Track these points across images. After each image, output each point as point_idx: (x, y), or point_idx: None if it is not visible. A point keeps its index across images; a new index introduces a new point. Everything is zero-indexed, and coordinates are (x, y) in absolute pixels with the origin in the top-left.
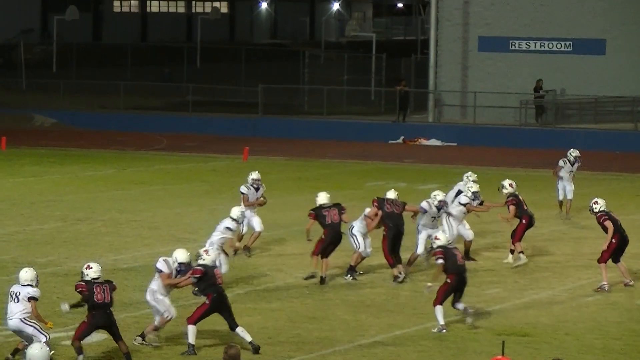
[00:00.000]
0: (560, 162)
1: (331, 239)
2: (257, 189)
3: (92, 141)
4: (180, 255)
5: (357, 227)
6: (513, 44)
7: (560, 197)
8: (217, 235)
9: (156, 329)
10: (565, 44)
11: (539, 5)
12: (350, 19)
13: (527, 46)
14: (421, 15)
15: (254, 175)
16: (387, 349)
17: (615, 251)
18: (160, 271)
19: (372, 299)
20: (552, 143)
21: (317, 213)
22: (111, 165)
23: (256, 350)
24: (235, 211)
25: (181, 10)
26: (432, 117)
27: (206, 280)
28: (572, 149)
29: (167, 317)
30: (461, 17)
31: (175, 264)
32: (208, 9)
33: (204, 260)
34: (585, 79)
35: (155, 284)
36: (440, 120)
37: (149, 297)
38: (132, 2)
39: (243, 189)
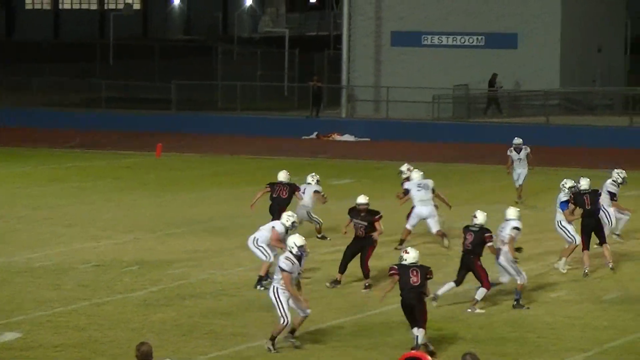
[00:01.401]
0: (508, 152)
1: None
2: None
3: (6, 138)
4: (298, 240)
5: (262, 238)
6: (426, 38)
7: (517, 185)
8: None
9: (293, 330)
10: (477, 38)
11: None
12: (263, 14)
13: (440, 41)
14: (334, 10)
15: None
16: (303, 344)
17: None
18: (285, 270)
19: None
20: (466, 137)
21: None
22: (25, 162)
23: None
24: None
25: (94, 7)
26: (346, 112)
27: None
28: (515, 138)
29: (304, 315)
30: (374, 11)
31: (295, 249)
32: (121, 6)
33: (405, 260)
34: (498, 72)
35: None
36: (353, 115)
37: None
38: None
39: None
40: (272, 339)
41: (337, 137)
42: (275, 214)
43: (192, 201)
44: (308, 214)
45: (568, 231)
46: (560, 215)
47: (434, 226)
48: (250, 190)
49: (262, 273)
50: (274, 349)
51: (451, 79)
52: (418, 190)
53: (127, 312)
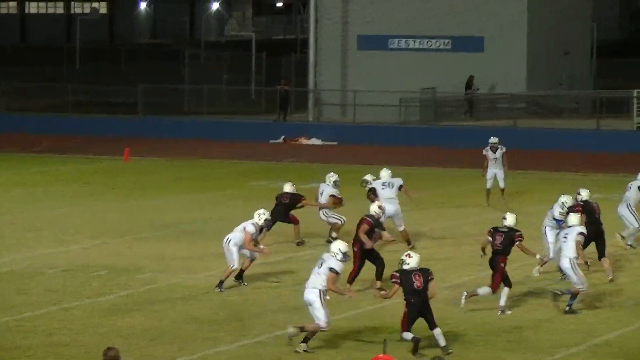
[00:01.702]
0: (484, 152)
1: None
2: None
3: None
4: (342, 246)
5: (235, 239)
6: (392, 42)
7: (489, 186)
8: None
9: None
10: (444, 41)
11: (417, 3)
12: (230, 18)
13: (407, 44)
14: (301, 14)
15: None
16: (269, 349)
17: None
18: (337, 273)
19: (254, 299)
20: (433, 141)
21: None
22: None
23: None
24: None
25: (60, 11)
26: (313, 116)
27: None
28: (491, 137)
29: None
30: (340, 15)
31: (340, 255)
32: (87, 10)
33: (407, 265)
34: (465, 76)
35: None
36: (320, 119)
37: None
38: (10, 3)
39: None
40: (305, 341)
41: (305, 141)
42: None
43: (160, 206)
44: (325, 214)
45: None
46: (547, 221)
47: (400, 225)
48: (219, 195)
49: (223, 277)
50: (309, 350)
51: (418, 82)
52: (383, 188)
53: (95, 317)
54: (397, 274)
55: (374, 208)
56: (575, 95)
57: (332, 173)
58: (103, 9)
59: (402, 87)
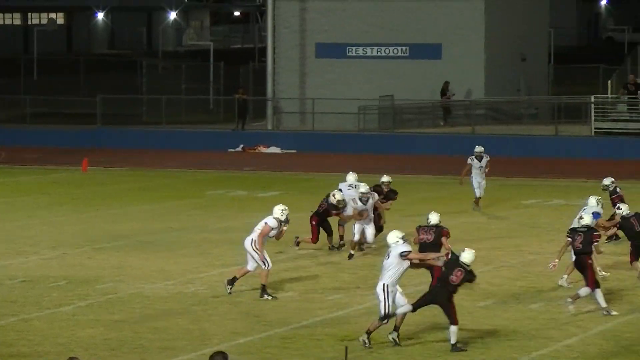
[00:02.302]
0: (469, 160)
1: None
2: (366, 202)
3: None
4: (398, 232)
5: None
6: (350, 50)
7: (478, 194)
8: None
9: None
10: (402, 49)
11: (375, 11)
12: (188, 27)
13: (365, 52)
14: (259, 22)
15: (363, 189)
16: (231, 357)
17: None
18: (405, 253)
19: (215, 308)
20: (392, 148)
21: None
22: None
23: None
24: None
25: (17, 22)
26: (271, 125)
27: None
28: (477, 146)
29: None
30: (298, 24)
31: (401, 241)
32: (45, 21)
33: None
34: (423, 83)
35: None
36: (279, 127)
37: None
38: None
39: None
40: (369, 332)
41: (263, 150)
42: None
43: (119, 216)
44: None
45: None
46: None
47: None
48: (178, 205)
49: (263, 282)
50: (369, 344)
51: (377, 90)
52: (349, 189)
53: (55, 328)
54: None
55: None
56: (533, 101)
57: (351, 173)
58: (60, 19)
59: (360, 95)
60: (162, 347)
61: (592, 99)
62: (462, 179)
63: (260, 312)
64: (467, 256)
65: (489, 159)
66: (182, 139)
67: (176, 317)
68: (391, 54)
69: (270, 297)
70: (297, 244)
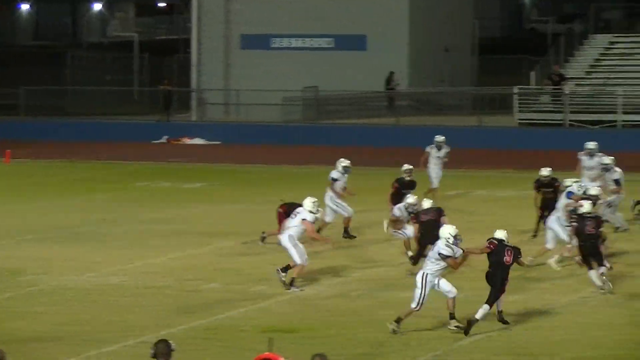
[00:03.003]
0: (427, 149)
1: None
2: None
3: None
4: (452, 230)
5: (296, 234)
6: (275, 41)
7: (434, 185)
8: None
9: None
10: (327, 40)
11: (300, 2)
12: (113, 19)
13: (289, 43)
14: (183, 14)
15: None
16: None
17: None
18: (448, 257)
19: (138, 301)
20: (316, 139)
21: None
22: None
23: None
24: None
25: None
26: (196, 116)
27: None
28: (437, 135)
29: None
30: (223, 15)
31: (452, 239)
32: None
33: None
34: (347, 74)
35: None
36: (203, 118)
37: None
38: None
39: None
40: (398, 320)
41: (188, 141)
42: None
43: (44, 208)
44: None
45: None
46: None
47: (329, 216)
48: (104, 197)
49: (295, 275)
50: (399, 331)
51: (301, 81)
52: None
53: None
54: (495, 242)
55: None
56: (457, 92)
57: (342, 159)
58: None
59: (285, 86)
60: (85, 339)
61: (516, 90)
62: (423, 166)
63: (184, 304)
64: (502, 234)
65: (449, 149)
66: (107, 131)
67: (100, 308)
68: (316, 45)
69: (299, 290)
70: (263, 239)
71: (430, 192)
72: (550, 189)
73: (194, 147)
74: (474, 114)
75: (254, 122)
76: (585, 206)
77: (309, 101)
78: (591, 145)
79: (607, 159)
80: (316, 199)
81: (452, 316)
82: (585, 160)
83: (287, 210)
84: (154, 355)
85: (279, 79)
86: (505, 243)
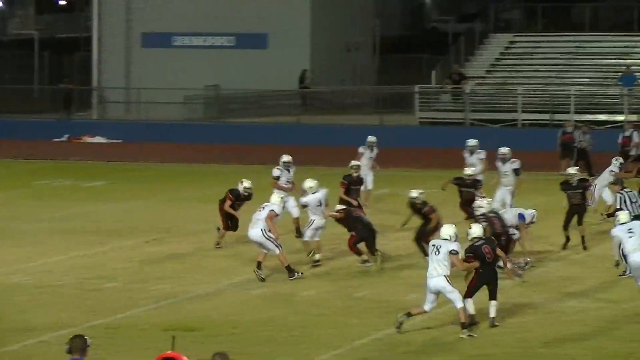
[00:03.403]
0: (360, 149)
1: None
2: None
3: None
4: (451, 230)
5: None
6: (176, 39)
7: (370, 187)
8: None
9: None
10: (228, 38)
11: (201, 1)
12: (13, 16)
13: (190, 41)
14: (84, 11)
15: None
16: (54, 348)
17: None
18: (454, 252)
19: (39, 299)
20: (217, 137)
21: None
22: None
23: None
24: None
25: None
26: (97, 114)
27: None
28: (369, 136)
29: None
30: (124, 13)
31: (454, 238)
32: None
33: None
34: (249, 73)
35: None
36: (104, 117)
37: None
38: None
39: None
40: (408, 315)
41: (89, 139)
42: None
43: None
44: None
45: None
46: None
47: (295, 212)
48: (3, 195)
49: (285, 263)
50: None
51: (203, 79)
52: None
53: None
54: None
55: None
56: (359, 91)
57: (283, 155)
58: None
59: (186, 85)
60: None
61: (417, 89)
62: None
63: (84, 303)
64: (476, 231)
65: (377, 151)
66: (7, 129)
67: (7, 308)
68: (217, 43)
69: (301, 274)
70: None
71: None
72: (579, 191)
73: (95, 145)
74: (376, 113)
75: (155, 121)
76: (485, 206)
77: (211, 99)
78: (471, 142)
79: (504, 149)
80: (285, 194)
81: (410, 314)
82: (466, 158)
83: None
84: (69, 351)
85: (181, 78)
86: (481, 239)
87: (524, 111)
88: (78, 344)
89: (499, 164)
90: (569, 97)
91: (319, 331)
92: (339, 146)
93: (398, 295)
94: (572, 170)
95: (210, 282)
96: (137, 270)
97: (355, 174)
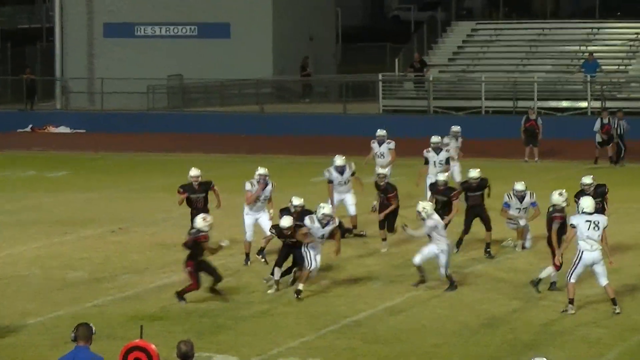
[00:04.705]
0: (446, 140)
1: None
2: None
3: None
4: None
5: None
6: (139, 29)
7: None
8: None
9: None
10: (190, 28)
11: None
12: None
13: (153, 31)
14: (46, 2)
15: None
16: (22, 339)
17: None
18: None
19: (4, 291)
20: (180, 127)
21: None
22: None
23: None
24: None
25: None
26: (60, 105)
27: None
28: (453, 126)
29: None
30: (85, 3)
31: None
32: None
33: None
34: (211, 62)
35: None
36: (68, 107)
37: None
38: None
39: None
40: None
41: (52, 130)
42: None
43: None
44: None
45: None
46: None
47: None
48: None
49: (264, 244)
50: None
51: (166, 69)
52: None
53: None
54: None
55: None
56: (321, 80)
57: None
58: None
59: (149, 75)
60: None
61: (380, 77)
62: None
63: (50, 293)
64: (442, 176)
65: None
66: None
67: None
68: (180, 33)
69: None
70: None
71: None
72: (599, 199)
73: (59, 135)
74: (339, 102)
75: (118, 111)
76: (441, 177)
77: (174, 89)
78: (380, 132)
79: (435, 138)
80: (209, 217)
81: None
82: (375, 148)
83: None
84: (75, 339)
85: (144, 68)
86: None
87: (487, 98)
88: (83, 332)
89: (374, 145)
90: (532, 85)
91: (286, 320)
92: (303, 135)
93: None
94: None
95: (176, 272)
96: (102, 260)
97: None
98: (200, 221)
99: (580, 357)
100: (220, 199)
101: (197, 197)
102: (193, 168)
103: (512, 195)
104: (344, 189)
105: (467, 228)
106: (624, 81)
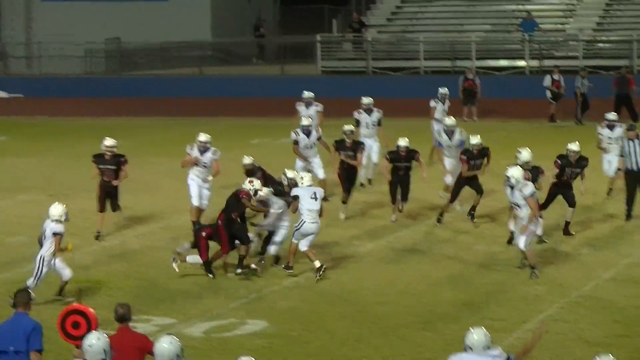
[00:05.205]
0: (432, 103)
1: None
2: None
3: None
4: None
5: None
6: None
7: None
8: None
9: None
10: None
11: None
12: None
13: None
14: None
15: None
16: None
17: None
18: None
19: None
20: (119, 91)
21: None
22: None
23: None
24: None
25: None
26: None
27: None
28: (440, 87)
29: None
30: None
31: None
32: None
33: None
34: (150, 25)
35: None
36: (6, 72)
37: None
38: None
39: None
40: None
41: None
42: None
43: None
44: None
45: None
46: None
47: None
48: None
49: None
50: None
51: (104, 32)
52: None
53: None
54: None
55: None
56: (260, 42)
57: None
58: None
59: (87, 39)
60: None
61: (319, 38)
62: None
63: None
64: (402, 143)
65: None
66: None
67: None
68: None
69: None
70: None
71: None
72: (578, 170)
73: None
74: (277, 63)
75: (56, 75)
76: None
77: (112, 53)
78: (307, 94)
79: (366, 100)
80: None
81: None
82: (302, 111)
83: None
84: (14, 305)
85: (81, 31)
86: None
87: (425, 59)
88: (22, 299)
89: (300, 108)
90: (470, 44)
91: (228, 282)
92: (242, 97)
93: None
94: (402, 141)
95: (116, 236)
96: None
97: (349, 140)
98: (247, 184)
99: (520, 314)
100: (122, 178)
101: (105, 168)
102: (107, 138)
103: (441, 131)
104: (311, 153)
105: (454, 196)
106: (562, 39)
